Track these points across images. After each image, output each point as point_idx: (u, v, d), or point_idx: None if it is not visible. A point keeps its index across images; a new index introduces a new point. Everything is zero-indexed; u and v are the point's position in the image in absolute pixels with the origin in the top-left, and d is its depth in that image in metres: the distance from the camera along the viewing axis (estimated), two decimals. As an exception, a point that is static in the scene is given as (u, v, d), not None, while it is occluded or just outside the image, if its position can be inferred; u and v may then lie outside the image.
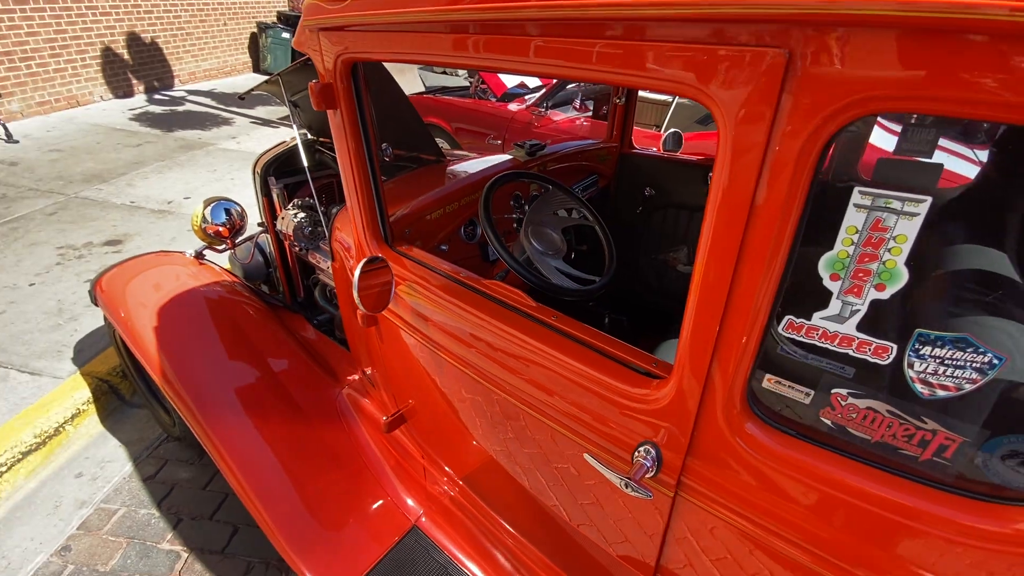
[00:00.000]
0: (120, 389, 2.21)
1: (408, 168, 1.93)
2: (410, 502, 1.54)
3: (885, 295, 0.48)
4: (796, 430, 0.59)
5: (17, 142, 4.66)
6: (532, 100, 4.15)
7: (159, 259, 1.98)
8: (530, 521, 1.22)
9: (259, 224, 2.11)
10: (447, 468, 1.47)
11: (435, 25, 0.69)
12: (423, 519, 1.52)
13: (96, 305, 1.87)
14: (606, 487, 0.84)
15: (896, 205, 0.45)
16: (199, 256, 2.03)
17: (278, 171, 1.91)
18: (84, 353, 2.28)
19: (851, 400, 0.54)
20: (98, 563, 1.63)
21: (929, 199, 0.44)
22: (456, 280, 0.98)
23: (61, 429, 2.00)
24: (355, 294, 0.90)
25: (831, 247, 0.50)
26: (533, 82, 4.83)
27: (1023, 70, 0.35)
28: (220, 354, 1.73)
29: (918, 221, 0.45)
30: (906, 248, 0.46)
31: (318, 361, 1.85)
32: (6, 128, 4.71)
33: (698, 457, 0.68)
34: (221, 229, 1.98)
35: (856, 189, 0.47)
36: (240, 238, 2.07)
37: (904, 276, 0.47)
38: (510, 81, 4.75)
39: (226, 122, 5.74)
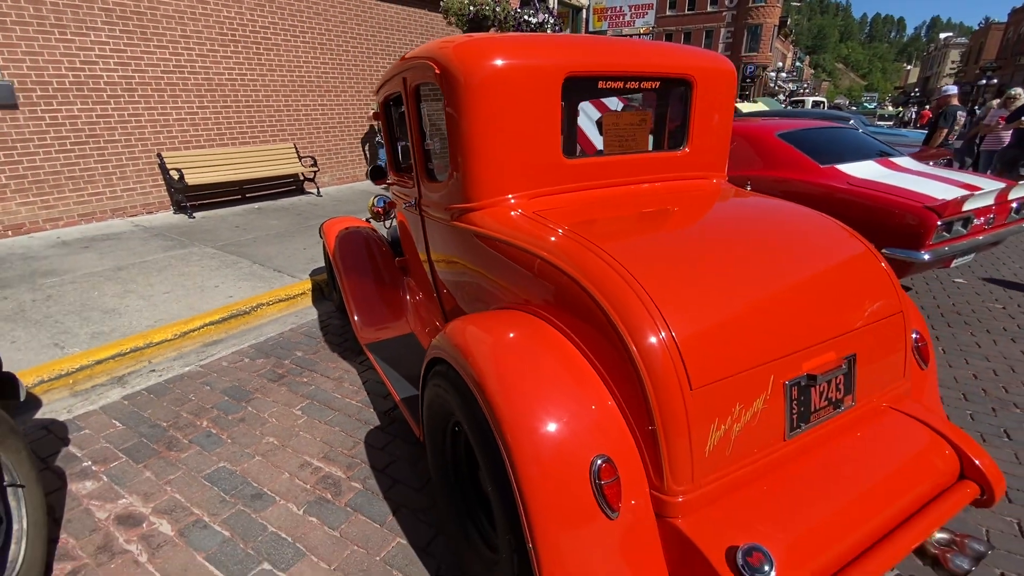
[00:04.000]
0: (324, 289, 4.33)
1: None
2: (413, 321, 3.11)
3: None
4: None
5: (321, 196, 8.00)
6: None
7: (350, 218, 4.05)
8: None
9: (397, 209, 4.07)
10: (419, 294, 3.03)
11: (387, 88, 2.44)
12: (416, 329, 3.06)
13: (320, 237, 4.00)
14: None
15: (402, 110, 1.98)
16: (367, 220, 4.05)
17: None
18: (314, 273, 4.51)
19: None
20: (292, 339, 3.57)
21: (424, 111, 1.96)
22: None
23: (295, 298, 4.15)
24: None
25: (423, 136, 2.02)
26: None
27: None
28: (361, 257, 3.60)
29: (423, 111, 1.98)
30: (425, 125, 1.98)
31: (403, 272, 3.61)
32: (319, 189, 8.15)
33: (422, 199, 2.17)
34: (379, 210, 3.98)
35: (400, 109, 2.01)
36: (389, 216, 4.05)
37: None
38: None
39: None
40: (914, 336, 1.82)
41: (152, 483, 2.20)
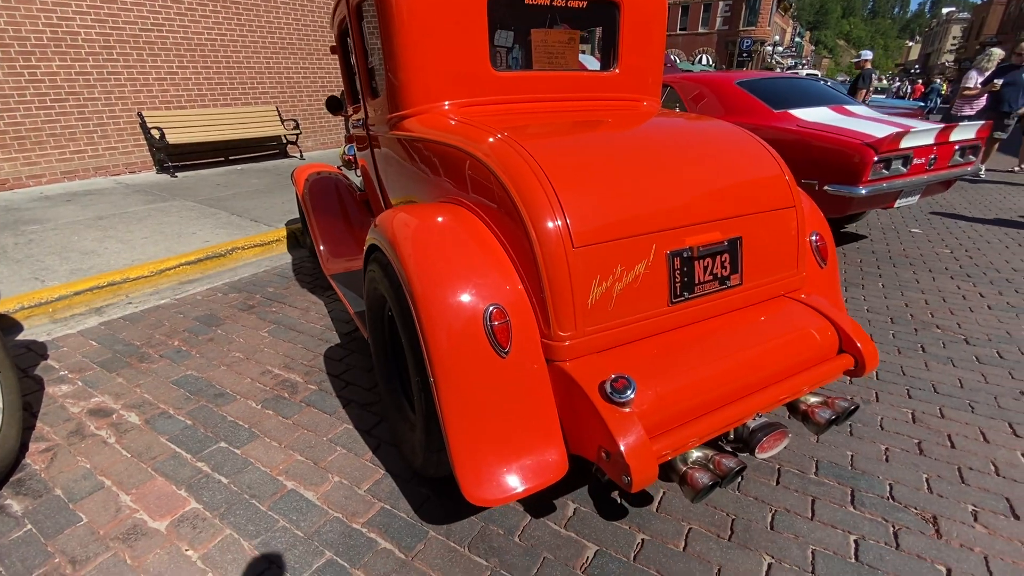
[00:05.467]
0: (299, 237, 4.47)
1: None
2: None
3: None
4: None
5: (304, 160, 8.07)
6: None
7: (322, 165, 4.17)
8: None
9: (367, 156, 4.19)
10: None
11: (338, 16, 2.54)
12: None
13: (292, 183, 4.12)
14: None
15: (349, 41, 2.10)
16: (339, 168, 4.17)
17: None
18: (291, 222, 4.64)
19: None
20: (265, 278, 3.72)
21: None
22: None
23: (270, 244, 4.29)
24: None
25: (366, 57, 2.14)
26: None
27: None
28: (329, 196, 3.74)
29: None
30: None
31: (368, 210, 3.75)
32: (302, 152, 8.21)
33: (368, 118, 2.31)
34: (350, 158, 4.09)
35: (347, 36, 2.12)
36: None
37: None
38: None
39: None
40: (814, 237, 1.98)
41: (123, 386, 2.38)
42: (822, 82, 4.98)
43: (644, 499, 1.70)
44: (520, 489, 1.32)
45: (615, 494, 1.72)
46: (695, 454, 1.43)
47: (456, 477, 1.32)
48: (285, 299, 3.36)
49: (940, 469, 1.84)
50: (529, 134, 1.69)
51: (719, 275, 1.63)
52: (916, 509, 1.66)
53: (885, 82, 40.72)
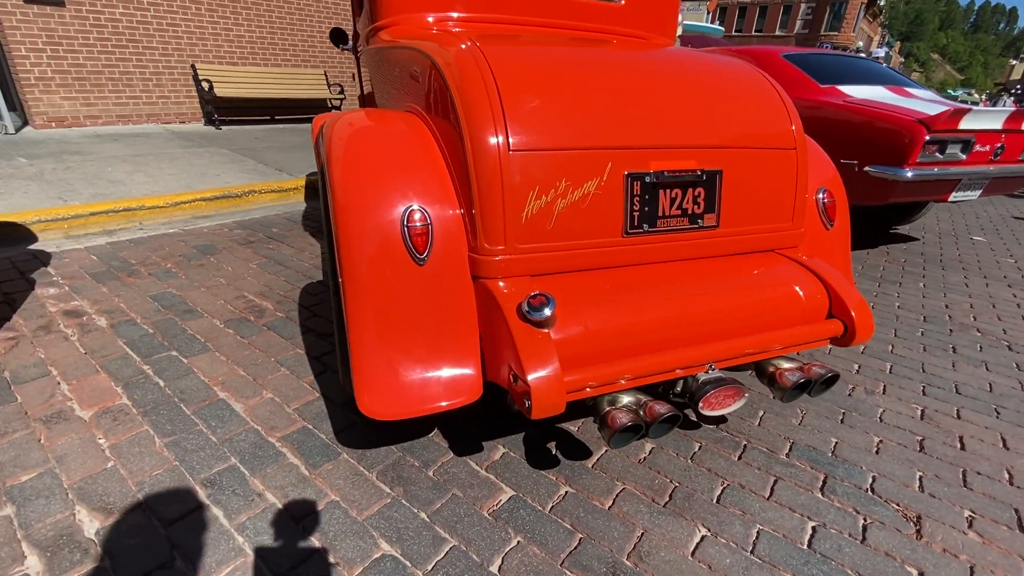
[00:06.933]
0: (316, 188, 4.49)
1: None
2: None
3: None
4: None
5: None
6: None
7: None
8: None
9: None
10: None
11: None
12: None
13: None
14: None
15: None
16: (359, 119, 4.15)
17: None
18: (312, 174, 4.68)
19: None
20: (274, 220, 3.75)
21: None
22: None
23: (288, 192, 4.33)
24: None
25: None
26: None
27: None
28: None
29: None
30: None
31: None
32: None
33: (357, 40, 2.21)
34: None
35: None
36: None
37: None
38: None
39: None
40: (821, 194, 1.74)
41: (104, 295, 2.42)
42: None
43: (583, 453, 1.54)
44: (422, 406, 1.20)
45: (551, 444, 1.57)
46: (626, 398, 1.26)
47: (352, 385, 1.22)
48: (285, 239, 3.36)
49: (940, 469, 1.58)
50: (497, 43, 1.55)
51: (690, 211, 1.44)
52: (898, 505, 1.42)
53: (976, 96, 37.58)
